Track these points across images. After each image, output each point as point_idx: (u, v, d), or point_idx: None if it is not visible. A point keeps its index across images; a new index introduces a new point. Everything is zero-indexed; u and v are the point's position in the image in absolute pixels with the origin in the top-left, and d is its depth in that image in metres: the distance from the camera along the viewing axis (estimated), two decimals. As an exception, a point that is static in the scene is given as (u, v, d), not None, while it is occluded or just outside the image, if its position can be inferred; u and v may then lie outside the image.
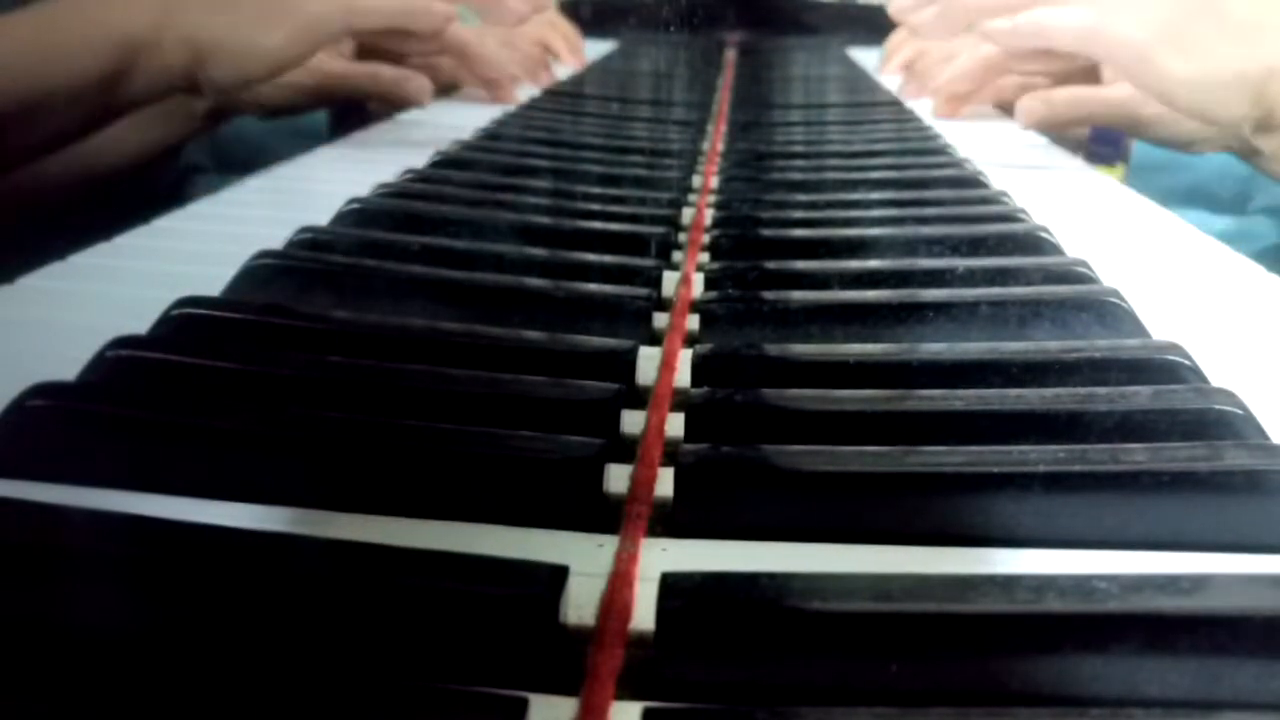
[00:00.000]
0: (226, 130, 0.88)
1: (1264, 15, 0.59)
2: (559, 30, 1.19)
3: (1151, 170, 0.95)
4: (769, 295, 0.37)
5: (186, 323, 0.32)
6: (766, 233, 0.47)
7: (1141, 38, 0.59)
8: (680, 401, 0.30)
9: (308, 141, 0.74)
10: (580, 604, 0.21)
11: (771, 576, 0.20)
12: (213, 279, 0.37)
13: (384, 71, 0.76)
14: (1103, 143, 0.88)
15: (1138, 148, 0.99)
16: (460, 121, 0.72)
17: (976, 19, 0.68)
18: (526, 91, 0.90)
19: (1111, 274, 0.40)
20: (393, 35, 0.69)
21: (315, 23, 0.63)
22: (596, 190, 0.54)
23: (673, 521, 0.25)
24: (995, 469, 0.24)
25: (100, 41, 0.58)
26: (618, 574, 0.22)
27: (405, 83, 0.75)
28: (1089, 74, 0.76)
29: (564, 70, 1.11)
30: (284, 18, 0.62)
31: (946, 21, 0.71)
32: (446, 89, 0.87)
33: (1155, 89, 0.60)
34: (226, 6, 0.62)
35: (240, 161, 0.88)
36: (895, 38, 1.20)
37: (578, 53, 1.20)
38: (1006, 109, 0.84)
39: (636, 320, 0.36)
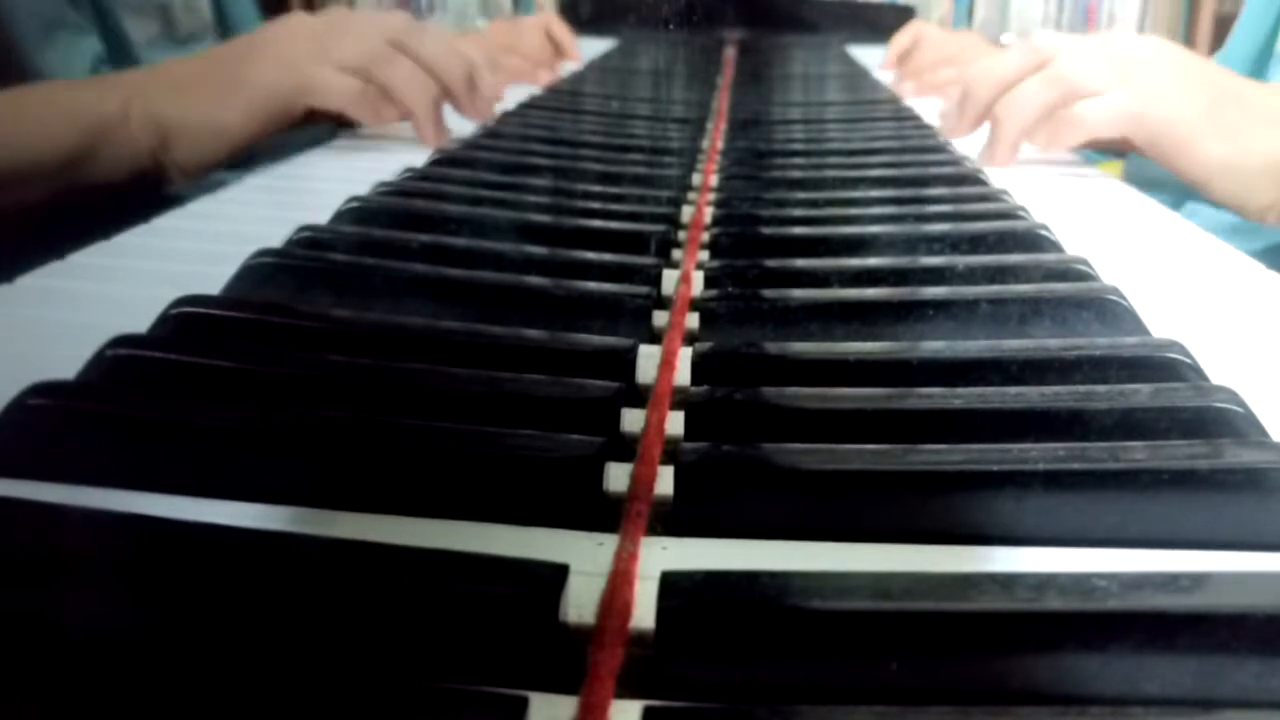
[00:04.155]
0: None
1: None
2: (557, 29, 1.20)
3: (1144, 165, 0.95)
4: (769, 293, 0.37)
5: (186, 321, 0.32)
6: (766, 231, 0.47)
7: (1184, 120, 0.60)
8: (680, 400, 0.30)
9: (316, 134, 0.74)
10: (580, 603, 0.21)
11: (771, 575, 0.20)
12: (212, 278, 0.37)
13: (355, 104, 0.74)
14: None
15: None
16: (460, 121, 0.72)
17: (1021, 130, 0.67)
18: (526, 90, 0.90)
19: (1111, 272, 0.40)
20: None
21: (270, 100, 0.63)
22: (596, 188, 0.54)
23: (673, 520, 0.25)
24: (995, 467, 0.24)
25: (70, 122, 0.59)
26: (618, 573, 0.22)
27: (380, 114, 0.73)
28: None
29: (561, 69, 1.11)
30: (240, 96, 0.63)
31: (996, 154, 0.70)
32: None
33: (1192, 173, 0.61)
34: (188, 87, 0.63)
35: (249, 158, 0.88)
36: (900, 37, 1.20)
37: (572, 53, 1.21)
38: None
39: (636, 318, 0.36)
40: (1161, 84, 0.61)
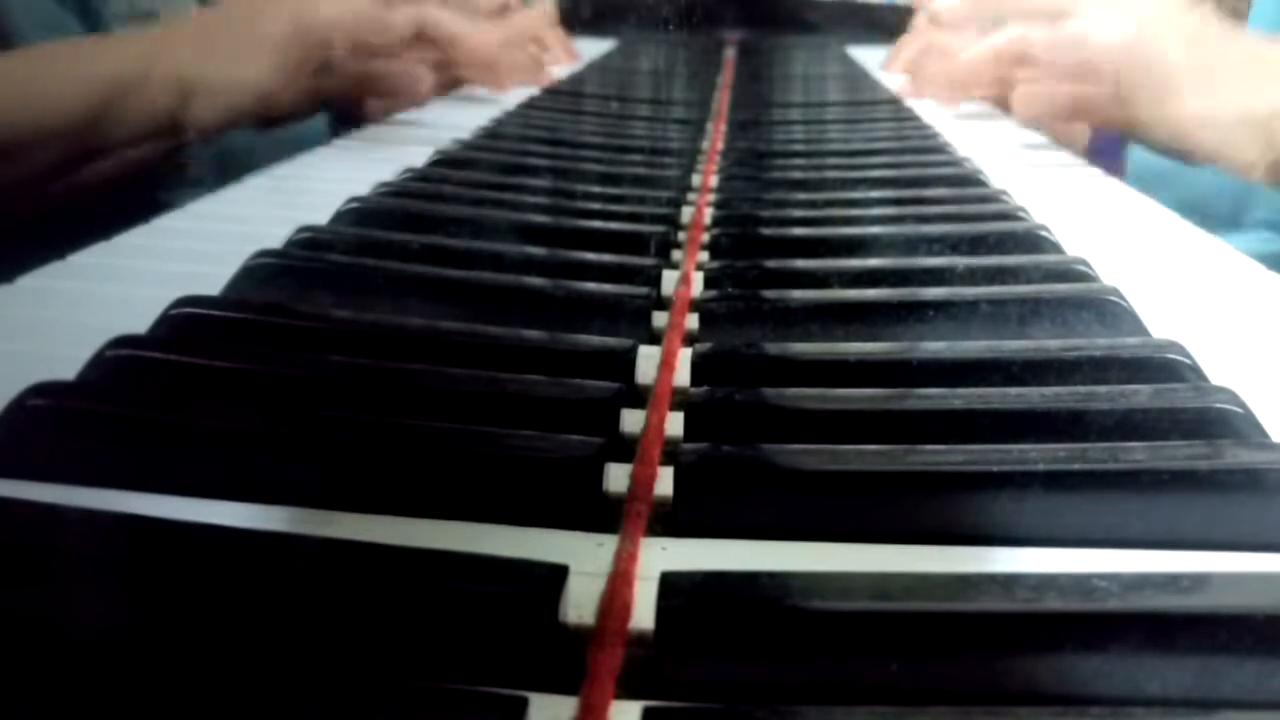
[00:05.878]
0: (227, 143, 0.88)
1: (1266, 61, 0.61)
2: (554, 33, 1.20)
3: (1148, 182, 0.95)
4: (769, 294, 0.37)
5: (186, 322, 0.32)
6: (766, 231, 0.47)
7: (1166, 70, 0.60)
8: (680, 400, 0.30)
9: (310, 148, 0.74)
10: (580, 603, 0.21)
11: (771, 575, 0.20)
12: (212, 278, 0.37)
13: (374, 68, 0.75)
14: (1102, 155, 0.88)
15: (1135, 161, 0.99)
16: (460, 121, 0.72)
17: (1010, 14, 0.68)
18: (526, 91, 0.90)
19: (1111, 272, 0.40)
20: (359, 48, 0.69)
21: (286, 47, 0.63)
22: (596, 189, 0.54)
23: (672, 520, 0.25)
24: (995, 468, 0.24)
25: (87, 81, 0.59)
26: (617, 573, 0.22)
27: (396, 79, 0.74)
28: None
29: (561, 70, 1.11)
30: (258, 48, 0.63)
31: (973, 9, 0.70)
32: (447, 88, 0.87)
33: (1171, 123, 0.61)
34: (205, 43, 0.63)
35: (243, 174, 0.88)
36: (906, 39, 1.20)
37: (570, 55, 1.21)
38: (1004, 105, 0.84)
39: (636, 319, 0.36)
40: (1153, 26, 0.61)
